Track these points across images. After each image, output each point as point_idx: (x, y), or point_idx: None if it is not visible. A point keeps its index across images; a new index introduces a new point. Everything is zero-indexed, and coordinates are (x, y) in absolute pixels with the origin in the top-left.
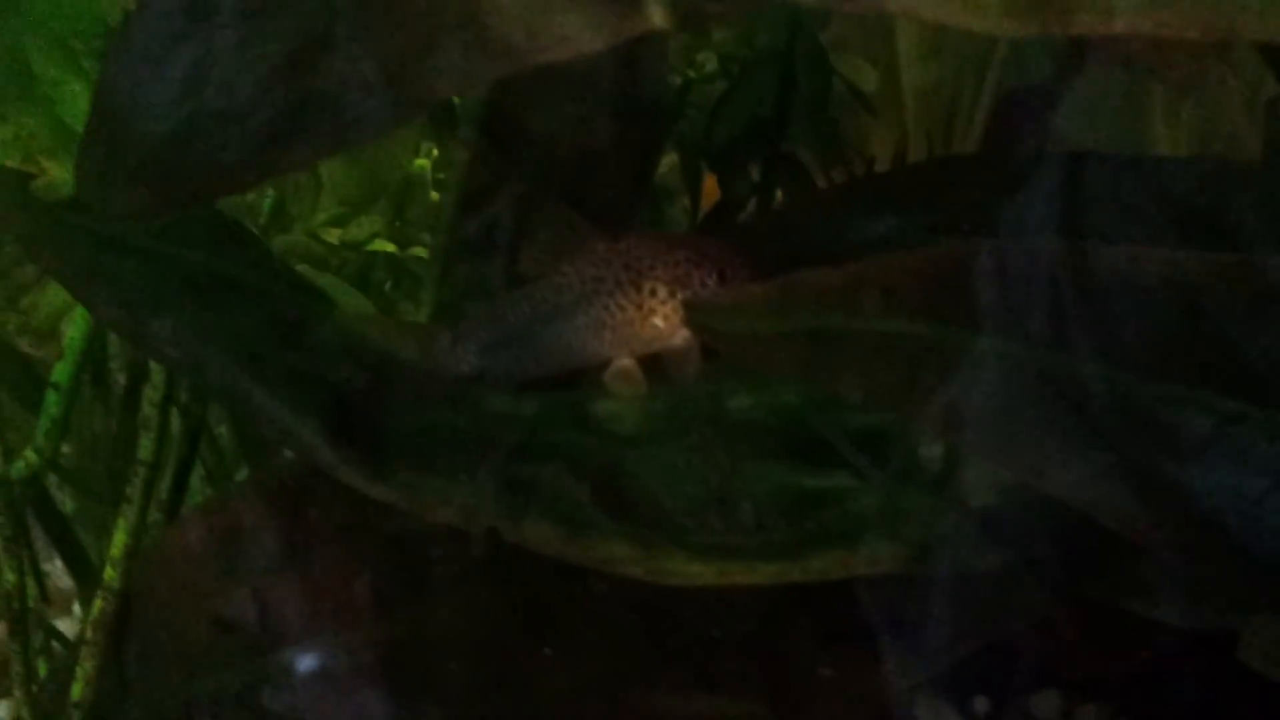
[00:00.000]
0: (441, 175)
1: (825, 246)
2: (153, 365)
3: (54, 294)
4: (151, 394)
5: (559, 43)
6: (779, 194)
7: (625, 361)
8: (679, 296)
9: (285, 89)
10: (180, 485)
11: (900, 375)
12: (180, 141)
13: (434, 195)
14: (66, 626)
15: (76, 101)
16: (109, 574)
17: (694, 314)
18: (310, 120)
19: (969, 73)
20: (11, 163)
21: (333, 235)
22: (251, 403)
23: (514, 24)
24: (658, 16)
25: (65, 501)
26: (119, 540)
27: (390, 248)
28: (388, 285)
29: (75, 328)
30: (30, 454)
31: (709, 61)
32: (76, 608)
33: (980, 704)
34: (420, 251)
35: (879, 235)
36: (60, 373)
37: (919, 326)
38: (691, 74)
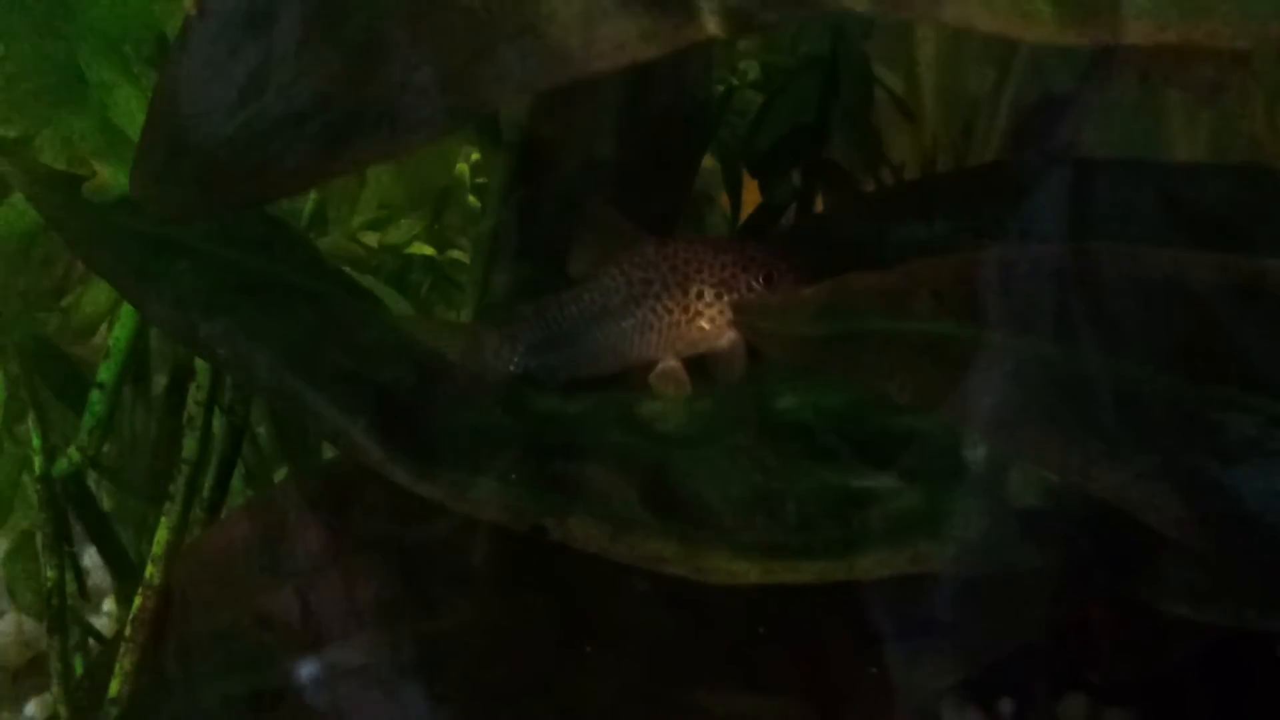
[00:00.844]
0: (481, 179)
1: (868, 251)
2: (198, 365)
3: (95, 293)
4: (196, 393)
5: (614, 51)
6: (819, 200)
7: (671, 363)
8: (725, 299)
9: (343, 95)
10: (222, 484)
11: (947, 377)
12: (239, 145)
13: (472, 199)
14: (99, 623)
15: (128, 105)
16: (150, 571)
17: (743, 317)
18: (367, 125)
19: (989, 78)
20: (59, 164)
21: (371, 238)
22: (301, 402)
23: (569, 32)
24: (712, 25)
25: (103, 498)
26: (161, 538)
27: (429, 251)
28: (425, 287)
29: (121, 327)
30: (73, 453)
31: (751, 69)
32: (108, 604)
33: (1006, 706)
34: (458, 255)
35: (921, 240)
36: (105, 372)
37: (965, 329)
38: (734, 81)
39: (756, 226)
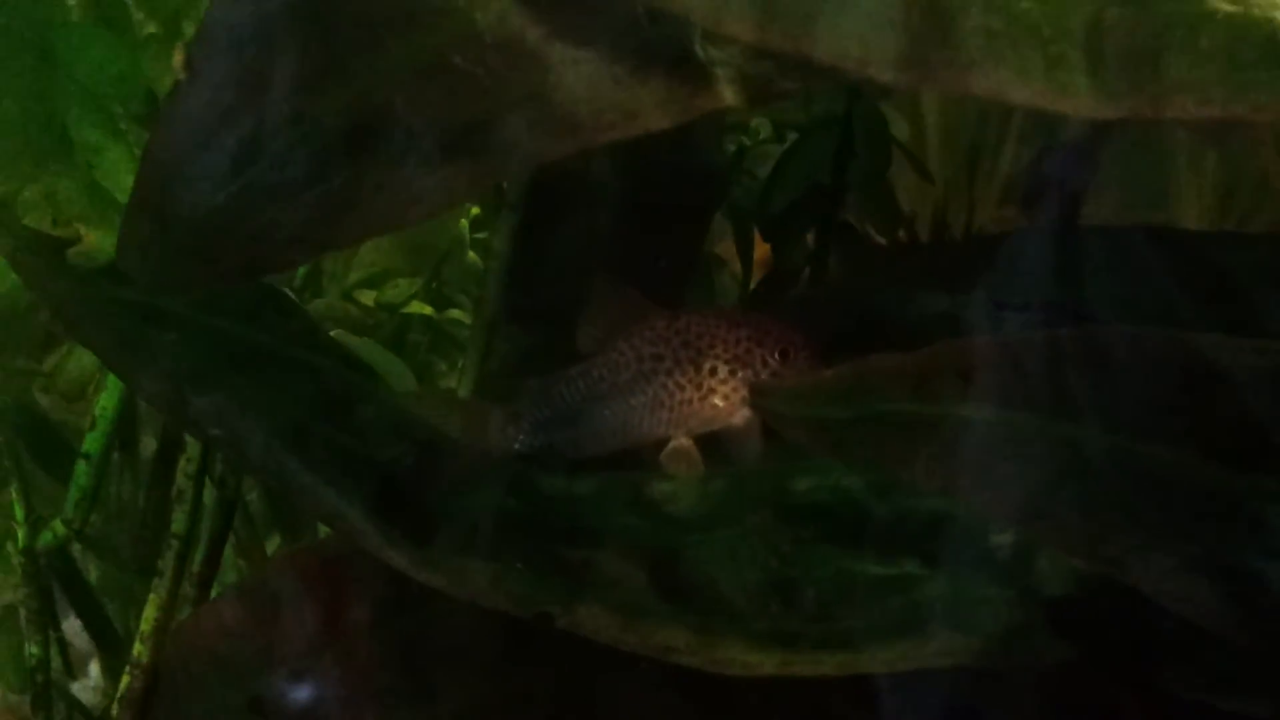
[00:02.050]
0: (482, 235)
1: (887, 321)
2: (188, 436)
3: (80, 355)
4: (186, 465)
5: (625, 120)
6: (833, 263)
7: (683, 441)
8: (740, 375)
9: (341, 163)
10: (213, 559)
11: (973, 462)
12: (230, 216)
13: (472, 256)
14: (84, 693)
15: (116, 167)
16: (138, 649)
17: (760, 399)
18: (367, 196)
19: (993, 121)
20: (43, 227)
21: (368, 297)
22: (296, 482)
23: (579, 100)
24: (729, 94)
25: (89, 569)
26: (149, 615)
27: (427, 310)
28: (423, 348)
29: (107, 396)
30: (58, 525)
31: (763, 128)
32: (94, 669)
33: None
34: (458, 314)
35: (942, 311)
36: (91, 443)
37: (995, 412)
38: (745, 140)
39: (769, 290)
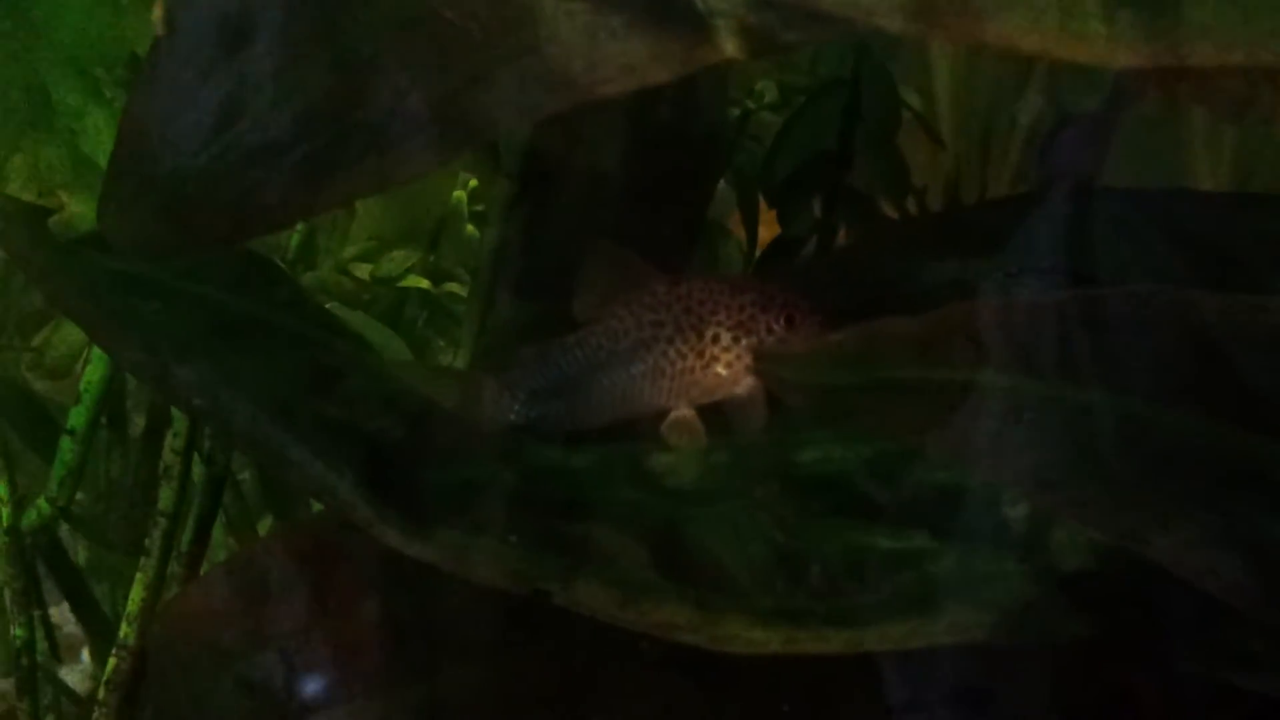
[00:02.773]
0: (480, 207)
1: (894, 288)
2: (175, 410)
3: (69, 330)
4: (173, 440)
5: (622, 74)
6: (841, 231)
7: (684, 411)
8: (743, 343)
9: (326, 122)
10: (202, 538)
11: (987, 430)
12: (213, 178)
13: (470, 229)
14: (73, 677)
15: (99, 133)
16: (125, 631)
17: (765, 364)
18: (353, 156)
19: (1006, 95)
20: (28, 196)
21: (363, 270)
22: (283, 455)
23: (573, 54)
24: (730, 46)
25: (77, 550)
26: (136, 596)
27: (424, 284)
28: (420, 322)
29: (93, 369)
30: (43, 504)
31: (768, 90)
32: (85, 656)
33: None
34: (455, 288)
35: (952, 278)
36: (76, 418)
37: (1007, 378)
38: (750, 104)
39: (774, 259)
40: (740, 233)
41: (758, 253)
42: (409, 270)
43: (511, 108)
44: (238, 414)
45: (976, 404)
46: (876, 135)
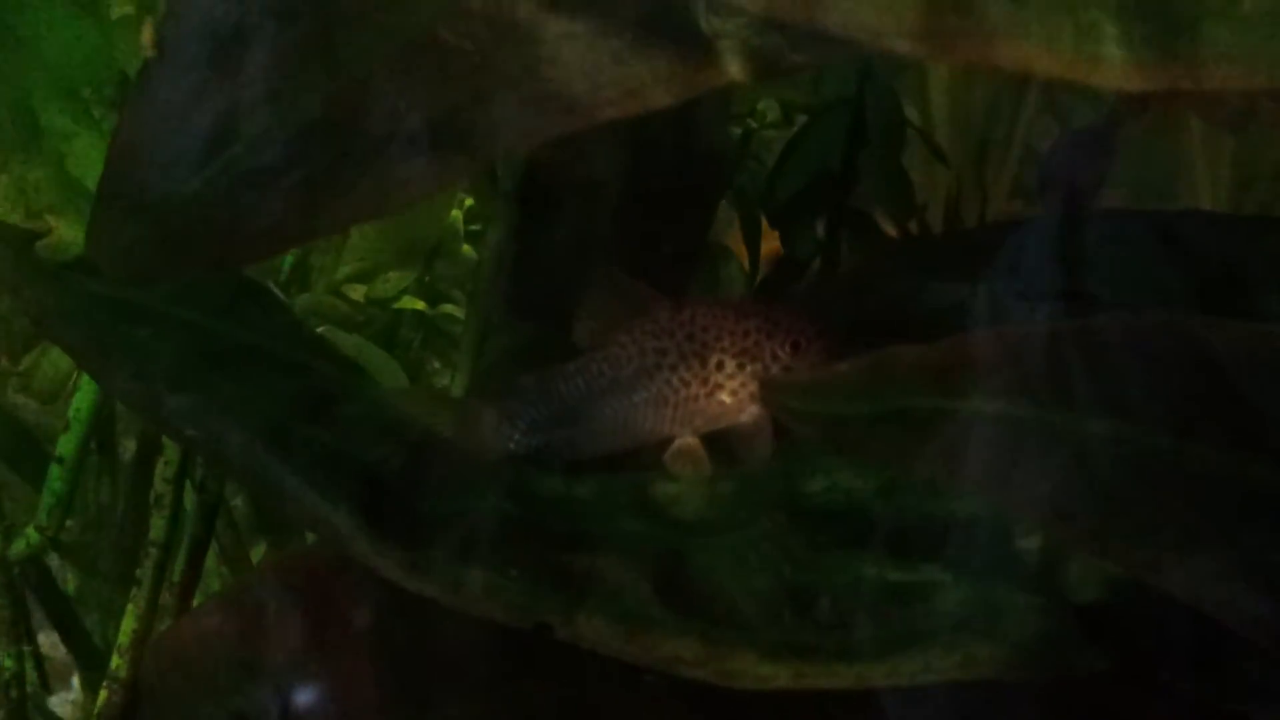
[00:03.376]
0: (476, 227)
1: (900, 310)
2: (166, 438)
3: (57, 354)
4: (164, 469)
5: (624, 97)
6: (844, 253)
7: (688, 440)
8: (748, 370)
9: (322, 145)
10: (194, 567)
11: (1000, 460)
12: (205, 203)
13: (466, 249)
14: (64, 709)
15: (87, 155)
16: (116, 663)
17: (772, 394)
18: (350, 179)
19: (1004, 108)
20: (13, 218)
21: (358, 292)
22: (277, 485)
23: (575, 76)
24: (735, 68)
25: (67, 579)
26: (127, 627)
27: (420, 305)
28: (415, 344)
29: (81, 396)
30: (32, 533)
31: (770, 109)
32: (75, 683)
33: None
34: (451, 309)
35: (958, 300)
36: (65, 445)
37: (1020, 407)
38: (752, 123)
39: (777, 282)
40: (741, 253)
41: (760, 274)
42: (404, 291)
43: (512, 130)
44: (230, 443)
45: (989, 434)
46: (882, 155)
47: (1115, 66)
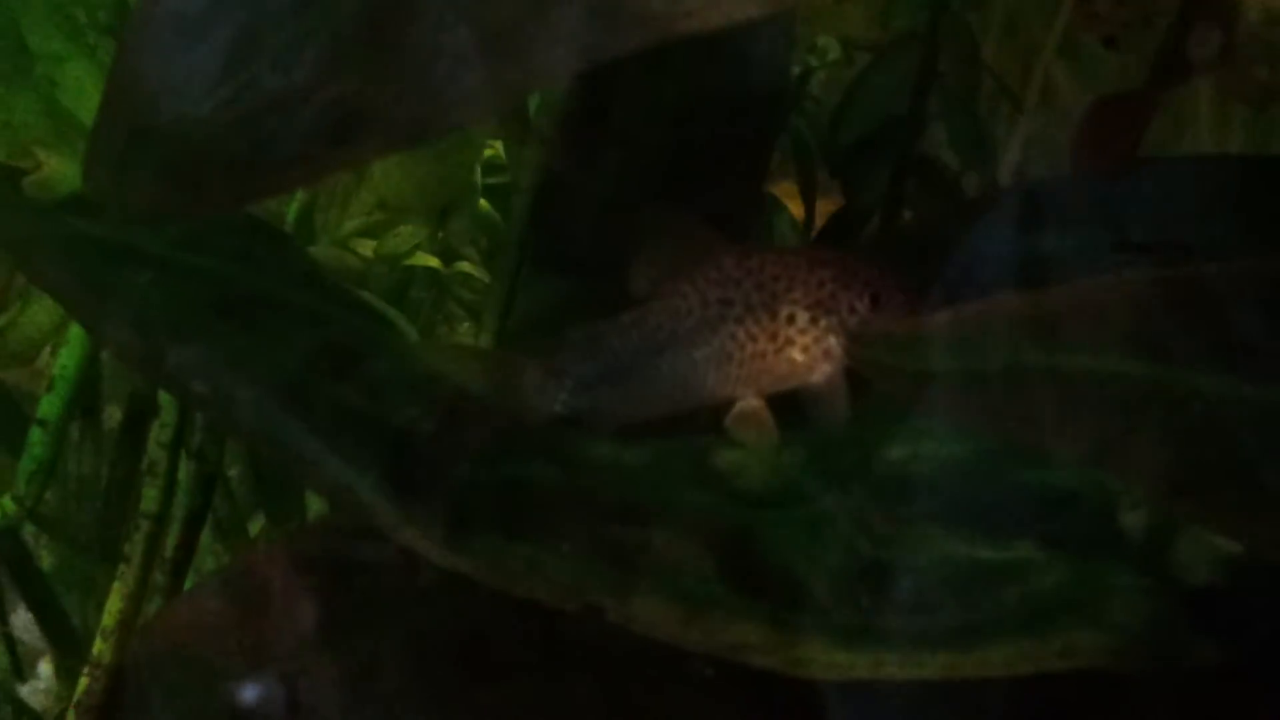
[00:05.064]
0: (494, 179)
1: (984, 265)
2: (162, 399)
3: (37, 311)
4: (160, 433)
5: (706, 7)
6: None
7: (752, 402)
8: (822, 324)
9: (357, 62)
10: (189, 543)
11: (1115, 424)
12: (221, 129)
13: (483, 204)
14: (35, 698)
15: (80, 83)
16: (98, 647)
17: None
18: (388, 101)
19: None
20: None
21: (366, 247)
22: (296, 449)
23: None
24: None
25: (42, 554)
26: (113, 607)
27: (434, 262)
28: (427, 304)
29: (68, 353)
30: (7, 502)
31: (830, 48)
32: (44, 668)
33: None
34: (467, 267)
35: (1050, 253)
36: (48, 407)
37: (1139, 365)
38: (812, 60)
39: (836, 234)
40: (794, 204)
41: (816, 226)
42: (417, 247)
43: (576, 46)
44: (242, 401)
45: (1104, 394)
46: (954, 97)
47: None
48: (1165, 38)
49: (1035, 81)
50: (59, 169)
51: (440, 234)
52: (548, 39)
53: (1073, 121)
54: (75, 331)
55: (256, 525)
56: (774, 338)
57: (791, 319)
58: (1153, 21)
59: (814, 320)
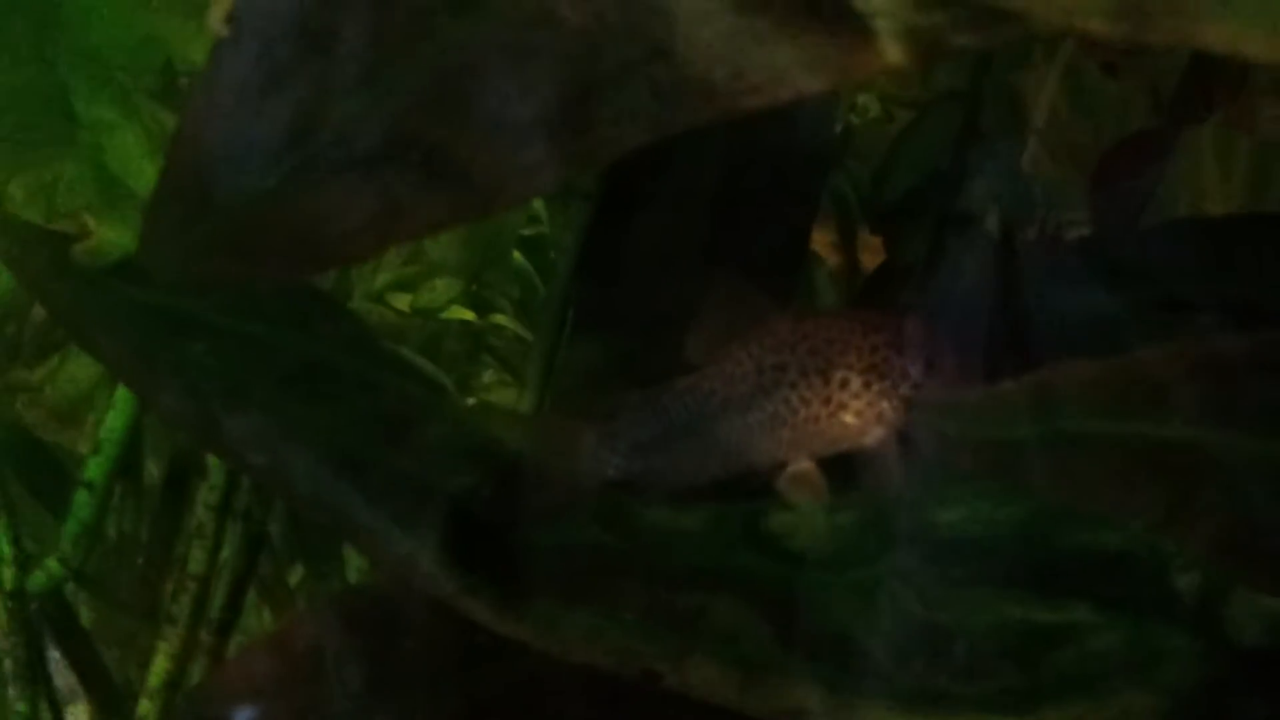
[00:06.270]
0: (528, 231)
1: (1040, 326)
2: (211, 461)
3: (76, 368)
4: (208, 494)
5: (770, 83)
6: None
7: (804, 464)
8: (875, 389)
9: (420, 137)
10: (235, 603)
11: (1172, 490)
12: (283, 200)
13: (516, 256)
14: None
15: (128, 149)
16: (144, 708)
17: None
18: (454, 173)
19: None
20: (36, 215)
21: (401, 301)
22: (353, 518)
23: (714, 60)
24: (892, 51)
25: (81, 611)
26: (160, 667)
27: (469, 315)
28: (462, 357)
29: (115, 416)
30: (53, 564)
31: (871, 105)
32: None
33: None
34: (501, 319)
35: (1104, 313)
36: (95, 469)
37: (1199, 432)
38: (854, 118)
39: (879, 291)
40: (830, 259)
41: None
42: (452, 301)
43: (643, 120)
44: (298, 471)
45: (1169, 462)
46: (997, 154)
47: None
48: (1183, 77)
49: (1040, 110)
50: (107, 236)
51: (474, 287)
52: (613, 114)
53: (1075, 150)
54: (123, 394)
55: (294, 576)
56: (827, 402)
57: (845, 383)
58: (1154, 49)
59: (867, 385)
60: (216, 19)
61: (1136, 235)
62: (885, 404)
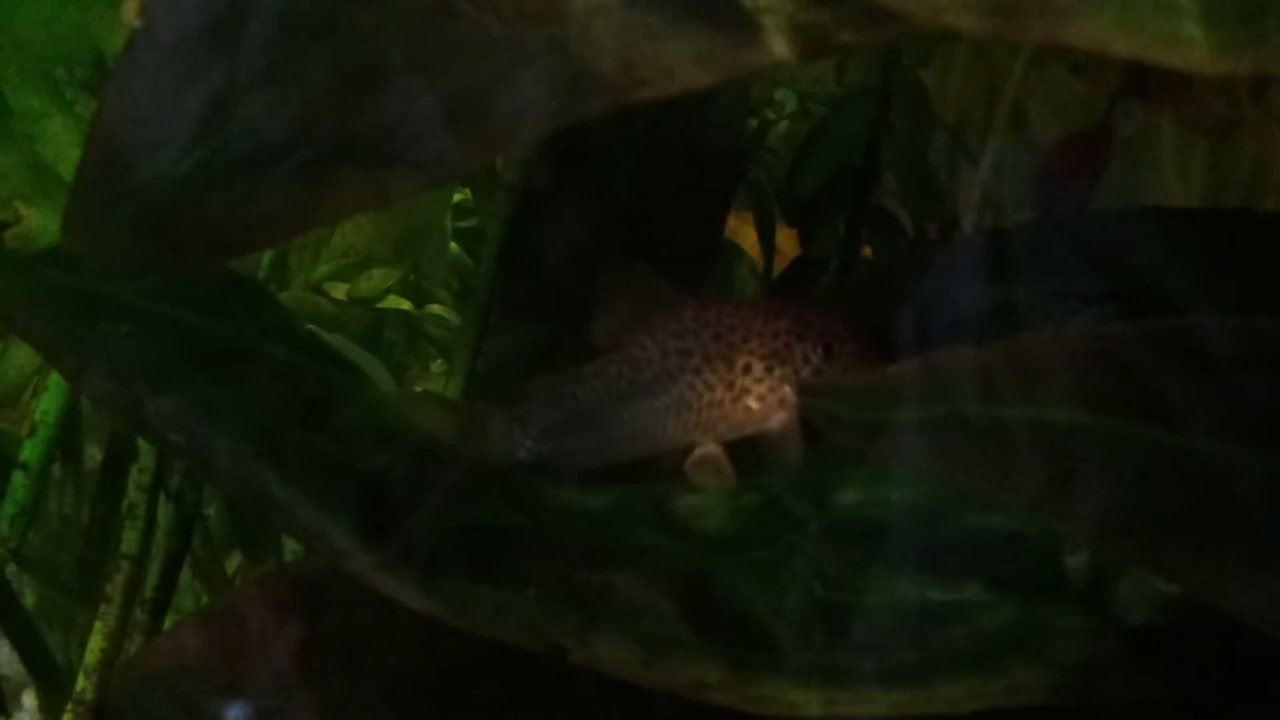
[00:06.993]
0: (464, 223)
1: (936, 314)
2: (140, 443)
3: (17, 355)
4: (139, 477)
5: (660, 77)
6: (866, 252)
7: (710, 448)
8: (777, 374)
9: (326, 127)
10: (169, 582)
11: (1056, 472)
12: (196, 188)
13: (453, 247)
14: None
15: (60, 138)
16: (81, 684)
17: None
18: (357, 164)
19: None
20: None
21: (339, 290)
22: (269, 496)
23: (606, 54)
24: (779, 46)
25: (24, 593)
26: (95, 645)
27: (405, 305)
28: (399, 346)
29: (49, 399)
30: None
31: (788, 101)
32: (27, 700)
33: None
34: (438, 309)
35: (1000, 304)
36: (30, 451)
37: (1079, 415)
38: (769, 114)
39: (794, 282)
40: (752, 252)
41: (774, 274)
42: (389, 290)
43: (536, 113)
44: (217, 450)
45: (1047, 443)
46: (906, 149)
47: (1196, 49)
48: (1122, 78)
49: (1003, 107)
50: (39, 223)
51: (412, 277)
52: (509, 107)
53: (1039, 148)
54: (55, 378)
55: (233, 563)
56: (731, 387)
57: (748, 369)
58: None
59: (769, 370)
60: (131, 10)
61: (1036, 229)
62: (787, 388)
